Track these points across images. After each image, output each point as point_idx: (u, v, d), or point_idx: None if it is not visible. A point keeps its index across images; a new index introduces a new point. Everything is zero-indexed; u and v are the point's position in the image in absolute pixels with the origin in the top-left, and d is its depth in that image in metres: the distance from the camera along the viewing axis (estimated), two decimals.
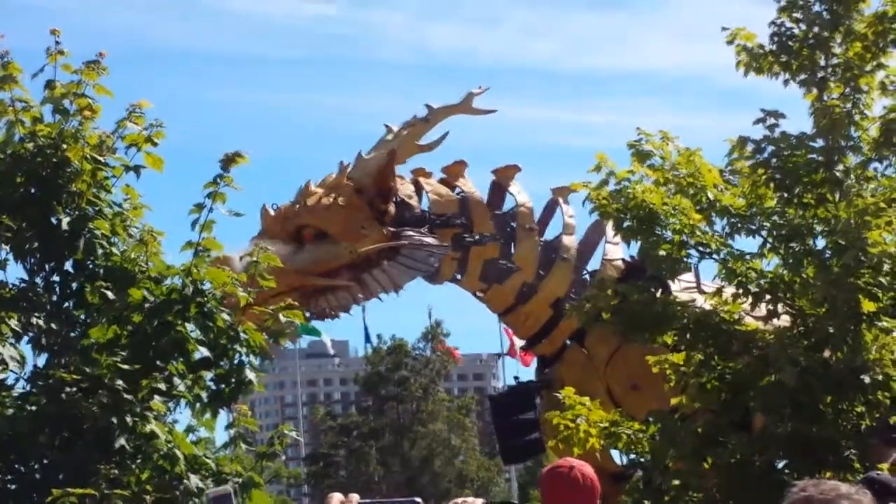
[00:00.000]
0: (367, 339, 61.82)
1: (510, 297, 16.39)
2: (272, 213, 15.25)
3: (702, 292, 13.95)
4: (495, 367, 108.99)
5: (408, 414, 56.78)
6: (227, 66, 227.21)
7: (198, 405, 9.10)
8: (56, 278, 9.18)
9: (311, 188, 15.49)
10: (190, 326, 8.96)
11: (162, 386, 8.78)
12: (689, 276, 14.37)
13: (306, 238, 15.21)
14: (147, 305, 8.94)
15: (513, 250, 16.39)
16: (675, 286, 14.19)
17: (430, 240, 15.52)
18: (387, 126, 16.51)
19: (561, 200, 16.78)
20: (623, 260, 16.28)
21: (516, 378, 17.74)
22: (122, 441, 8.51)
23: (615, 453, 15.03)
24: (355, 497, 3.24)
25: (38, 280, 9.16)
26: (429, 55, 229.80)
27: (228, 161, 9.13)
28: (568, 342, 16.36)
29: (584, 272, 16.68)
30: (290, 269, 14.33)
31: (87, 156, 9.10)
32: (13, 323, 8.66)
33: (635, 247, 12.86)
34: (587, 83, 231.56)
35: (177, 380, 8.91)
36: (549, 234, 16.78)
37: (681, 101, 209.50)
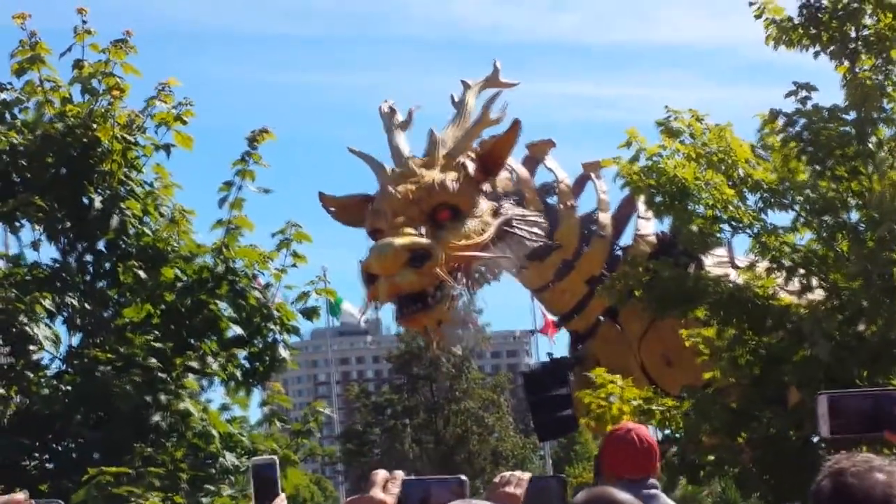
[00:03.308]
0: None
1: (549, 274, 16.33)
2: (399, 196, 14.98)
3: (735, 267, 13.88)
4: (528, 343, 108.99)
5: (441, 392, 56.78)
6: (250, 46, 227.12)
7: (231, 383, 9.13)
8: (89, 258, 9.21)
9: (413, 168, 15.22)
10: (223, 305, 8.98)
11: (195, 364, 8.82)
12: (722, 251, 14.30)
13: (442, 217, 15.01)
14: (179, 284, 8.97)
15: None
16: (708, 261, 14.13)
17: (527, 212, 15.53)
18: (389, 106, 16.28)
19: (593, 175, 16.70)
20: (656, 235, 16.21)
21: (550, 354, 17.74)
22: (156, 419, 8.55)
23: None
24: (400, 474, 3.23)
25: (71, 260, 9.19)
26: (454, 31, 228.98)
27: (255, 138, 9.14)
28: (601, 318, 16.32)
29: (617, 248, 16.62)
30: (447, 248, 14.35)
31: (117, 135, 9.11)
32: (47, 303, 8.69)
33: (668, 222, 12.81)
34: (612, 57, 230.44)
35: (210, 358, 8.94)
36: (580, 208, 16.74)
37: (707, 75, 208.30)
